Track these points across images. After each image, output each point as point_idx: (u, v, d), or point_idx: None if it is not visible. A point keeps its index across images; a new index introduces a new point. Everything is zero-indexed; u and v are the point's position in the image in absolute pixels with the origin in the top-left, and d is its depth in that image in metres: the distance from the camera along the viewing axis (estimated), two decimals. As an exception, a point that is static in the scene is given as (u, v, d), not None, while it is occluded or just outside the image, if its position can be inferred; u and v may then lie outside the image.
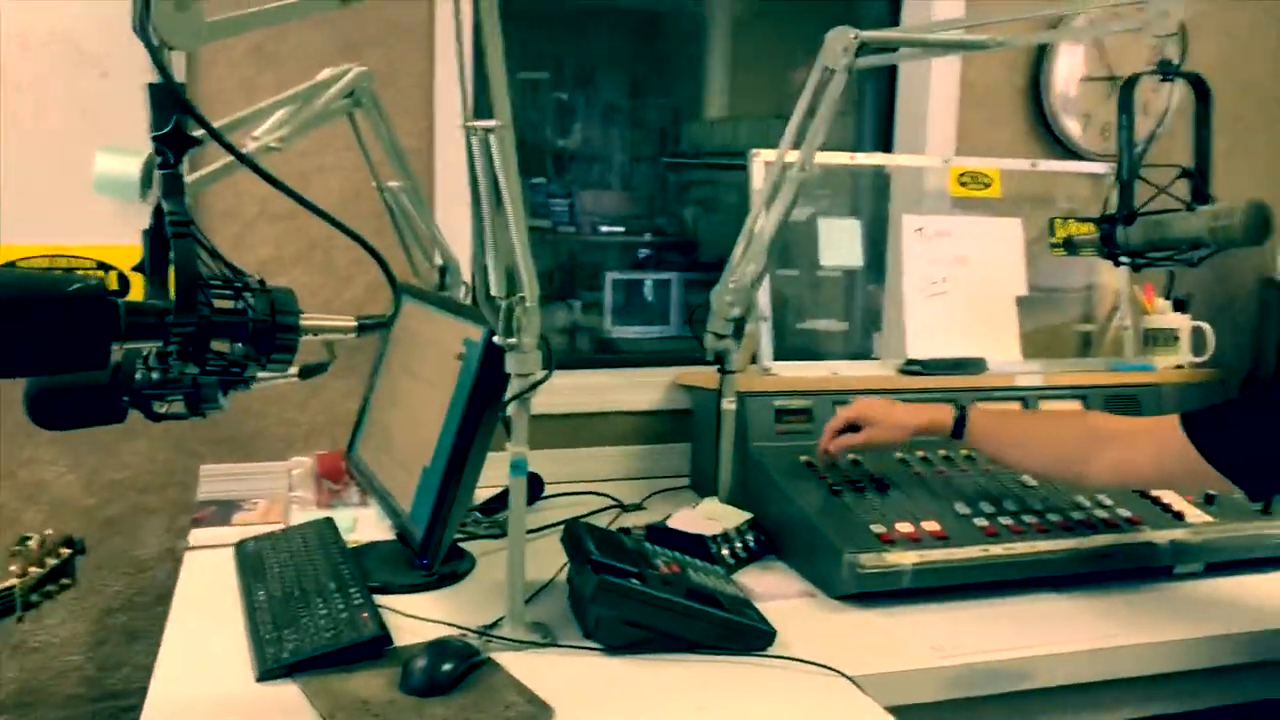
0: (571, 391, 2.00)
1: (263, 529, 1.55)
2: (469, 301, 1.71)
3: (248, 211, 1.81)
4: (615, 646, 1.23)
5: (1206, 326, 2.04)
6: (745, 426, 1.71)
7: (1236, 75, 2.20)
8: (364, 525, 1.61)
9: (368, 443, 1.69)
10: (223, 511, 1.64)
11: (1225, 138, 1.99)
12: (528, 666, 1.17)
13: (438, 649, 1.14)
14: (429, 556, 1.29)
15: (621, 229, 2.47)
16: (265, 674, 1.13)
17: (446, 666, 1.11)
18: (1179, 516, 1.59)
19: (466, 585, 1.43)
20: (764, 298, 1.84)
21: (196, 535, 1.56)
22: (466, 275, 1.78)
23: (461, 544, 1.56)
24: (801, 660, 1.21)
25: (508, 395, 1.21)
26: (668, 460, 2.04)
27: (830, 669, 1.19)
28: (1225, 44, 2.25)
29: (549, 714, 1.07)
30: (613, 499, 1.84)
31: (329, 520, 1.56)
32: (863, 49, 1.50)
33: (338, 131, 1.53)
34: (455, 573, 1.45)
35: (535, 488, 1.79)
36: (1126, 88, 1.37)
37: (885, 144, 2.25)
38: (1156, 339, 2.06)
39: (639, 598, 1.20)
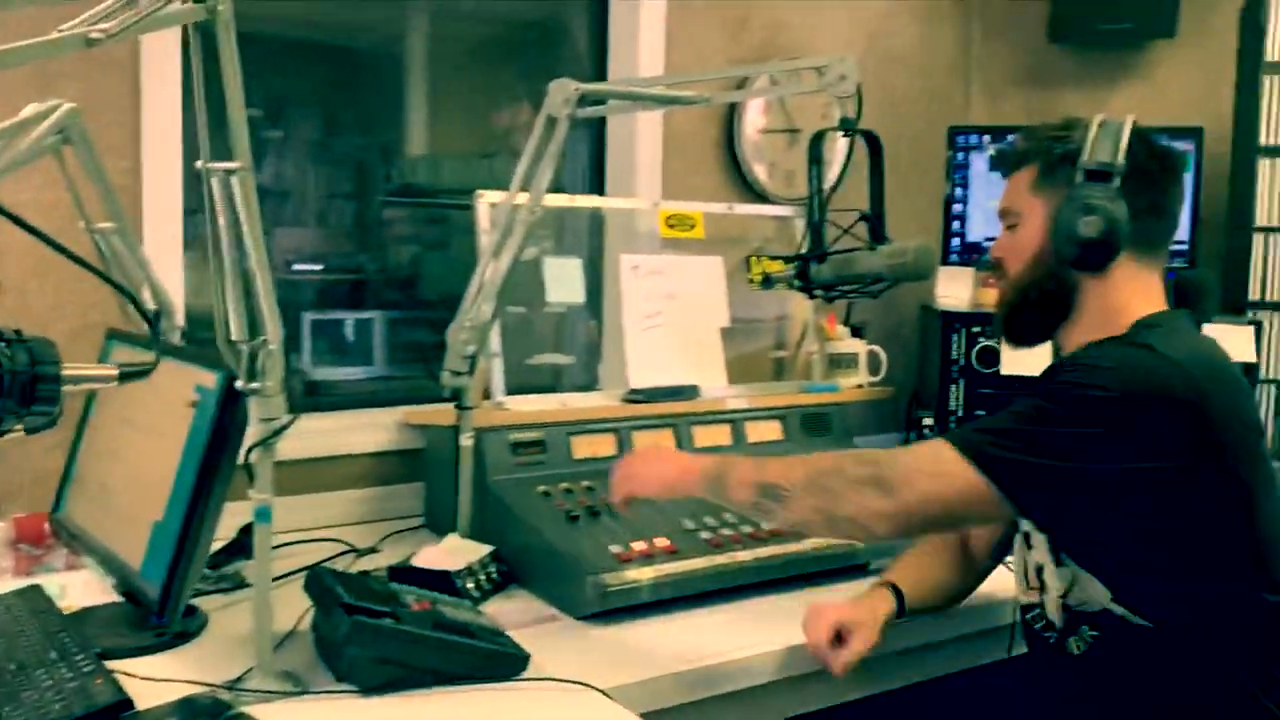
0: (295, 437, 1.95)
1: (-45, 605, 1.40)
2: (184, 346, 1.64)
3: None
4: (371, 687, 1.23)
5: (880, 350, 2.31)
6: (482, 461, 1.75)
7: (893, 128, 2.53)
8: (75, 590, 1.49)
9: (79, 501, 1.57)
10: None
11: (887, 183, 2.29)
12: (282, 717, 1.15)
13: (186, 708, 1.10)
14: (167, 614, 1.23)
15: (318, 266, 2.43)
16: (-14, 758, 1.04)
17: (198, 725, 1.08)
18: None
19: (202, 642, 1.37)
20: (495, 334, 1.90)
21: None
22: (181, 319, 1.71)
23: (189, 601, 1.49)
24: (556, 679, 1.26)
25: (251, 441, 1.19)
26: (400, 501, 2.03)
27: (583, 684, 1.25)
28: (883, 98, 2.58)
29: (311, 759, 1.06)
30: (346, 544, 1.82)
31: (36, 587, 1.43)
32: (583, 100, 1.60)
33: (35, 168, 1.43)
34: (187, 631, 1.38)
35: (265, 537, 1.73)
36: (815, 142, 1.56)
37: (598, 188, 2.38)
38: (839, 362, 2.31)
39: (394, 635, 1.22)
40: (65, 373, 0.93)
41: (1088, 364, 1.22)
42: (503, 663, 1.28)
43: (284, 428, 1.19)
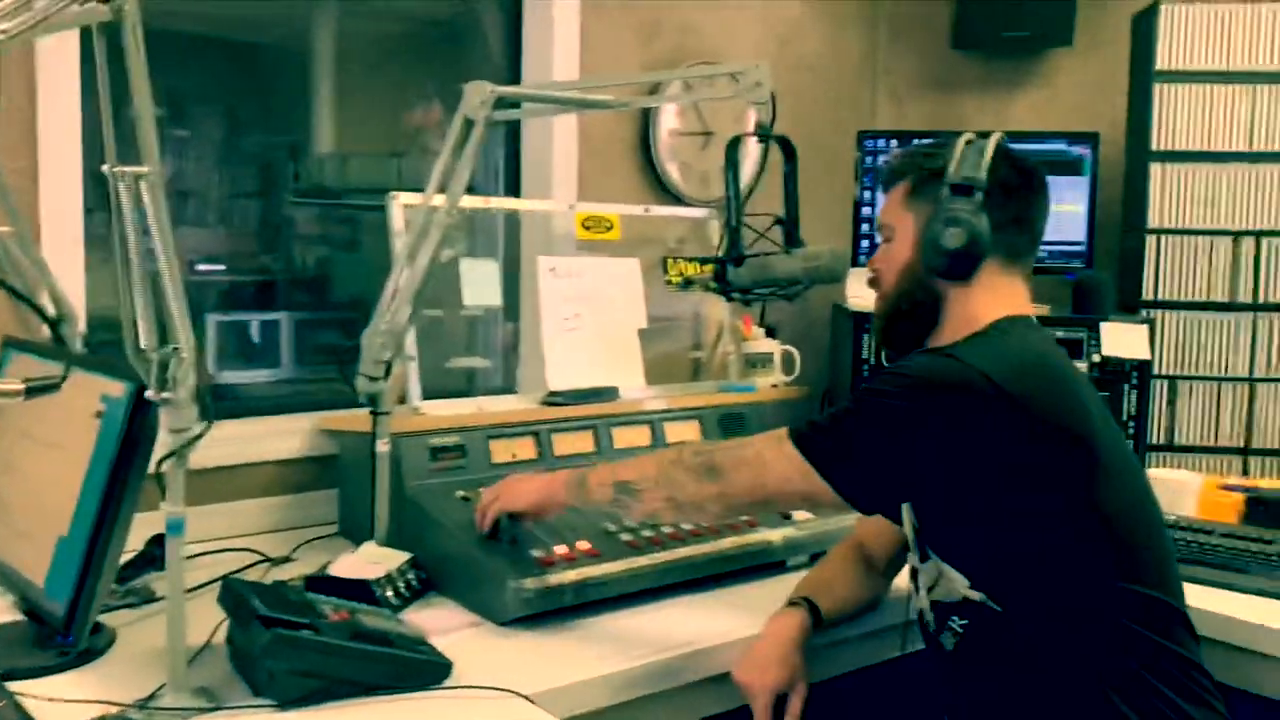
0: (205, 444, 1.90)
1: None
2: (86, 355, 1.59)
3: None
4: (290, 700, 1.20)
5: (794, 350, 2.35)
6: (399, 467, 1.73)
7: (803, 132, 2.57)
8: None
9: (-26, 517, 1.51)
10: None
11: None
12: (197, 735, 1.12)
13: (96, 730, 1.06)
14: (74, 632, 1.19)
15: (222, 267, 2.37)
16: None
17: (109, 747, 1.04)
18: (787, 517, 1.83)
19: (110, 659, 1.33)
20: (410, 338, 1.88)
21: None
22: (82, 325, 1.65)
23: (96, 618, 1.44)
24: (478, 687, 1.26)
25: (163, 451, 1.16)
26: (314, 508, 1.99)
27: (507, 691, 1.25)
28: (794, 103, 2.62)
29: (230, 777, 1.04)
30: (259, 553, 1.78)
31: (-76, 610, 1.38)
32: (499, 103, 1.59)
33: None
34: (94, 649, 1.34)
35: (174, 548, 1.69)
36: (731, 147, 1.58)
37: (514, 189, 2.37)
38: (755, 362, 2.35)
39: (313, 647, 1.20)
40: (-34, 389, 0.89)
41: (892, 371, 1.30)
42: (425, 671, 1.27)
43: (197, 437, 1.16)
